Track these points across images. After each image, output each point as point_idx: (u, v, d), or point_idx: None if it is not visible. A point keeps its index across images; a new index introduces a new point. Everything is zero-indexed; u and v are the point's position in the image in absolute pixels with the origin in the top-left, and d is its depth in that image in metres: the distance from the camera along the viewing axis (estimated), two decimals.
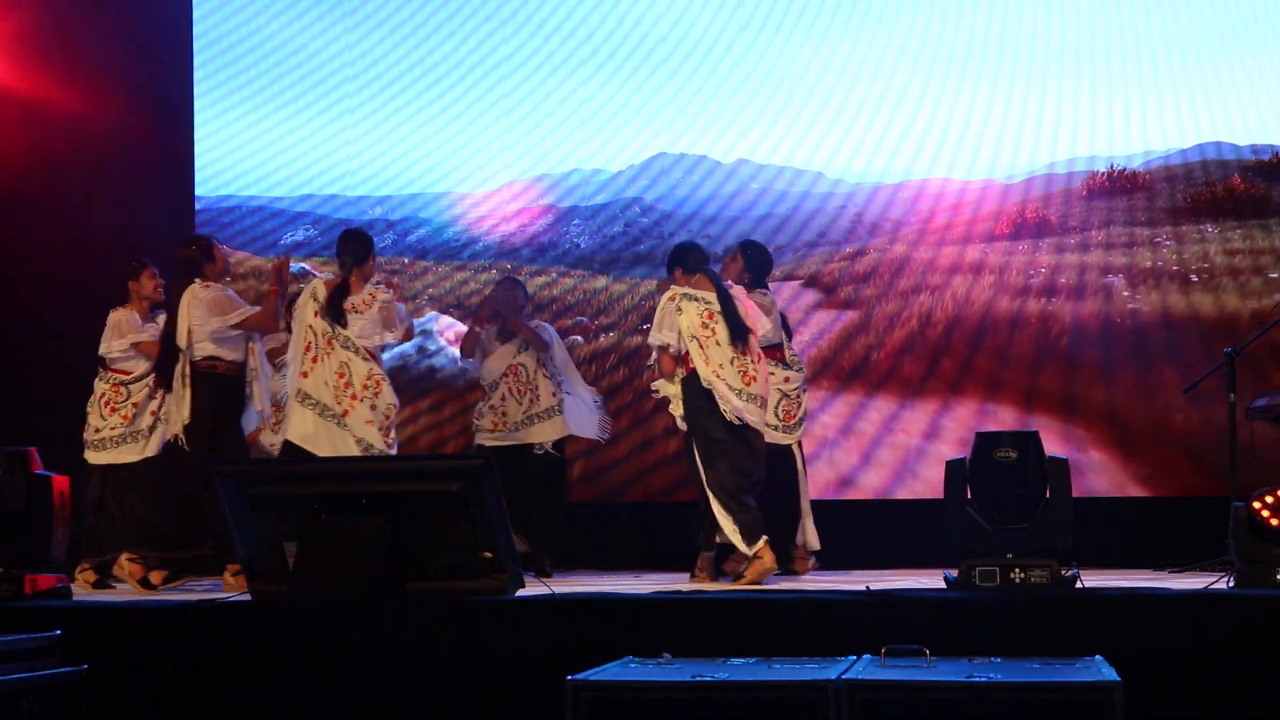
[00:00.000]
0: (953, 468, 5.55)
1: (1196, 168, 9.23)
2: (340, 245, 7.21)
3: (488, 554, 5.20)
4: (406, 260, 9.89)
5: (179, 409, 7.00)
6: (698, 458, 6.91)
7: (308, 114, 10.12)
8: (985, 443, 5.49)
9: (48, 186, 9.53)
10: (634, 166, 9.87)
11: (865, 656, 4.37)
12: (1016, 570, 5.25)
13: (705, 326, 6.90)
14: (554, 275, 9.80)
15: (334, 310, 6.97)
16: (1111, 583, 5.80)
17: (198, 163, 10.10)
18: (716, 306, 6.94)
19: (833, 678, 3.90)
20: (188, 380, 6.98)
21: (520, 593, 5.31)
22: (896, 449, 9.23)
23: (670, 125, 9.81)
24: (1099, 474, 8.99)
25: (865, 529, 8.79)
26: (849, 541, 8.16)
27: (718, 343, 6.89)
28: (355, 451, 6.90)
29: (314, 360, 6.95)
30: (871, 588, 5.44)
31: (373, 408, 6.96)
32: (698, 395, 6.89)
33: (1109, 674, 3.93)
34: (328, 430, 6.90)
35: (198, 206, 10.14)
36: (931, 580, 6.25)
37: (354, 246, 7.15)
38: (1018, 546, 5.33)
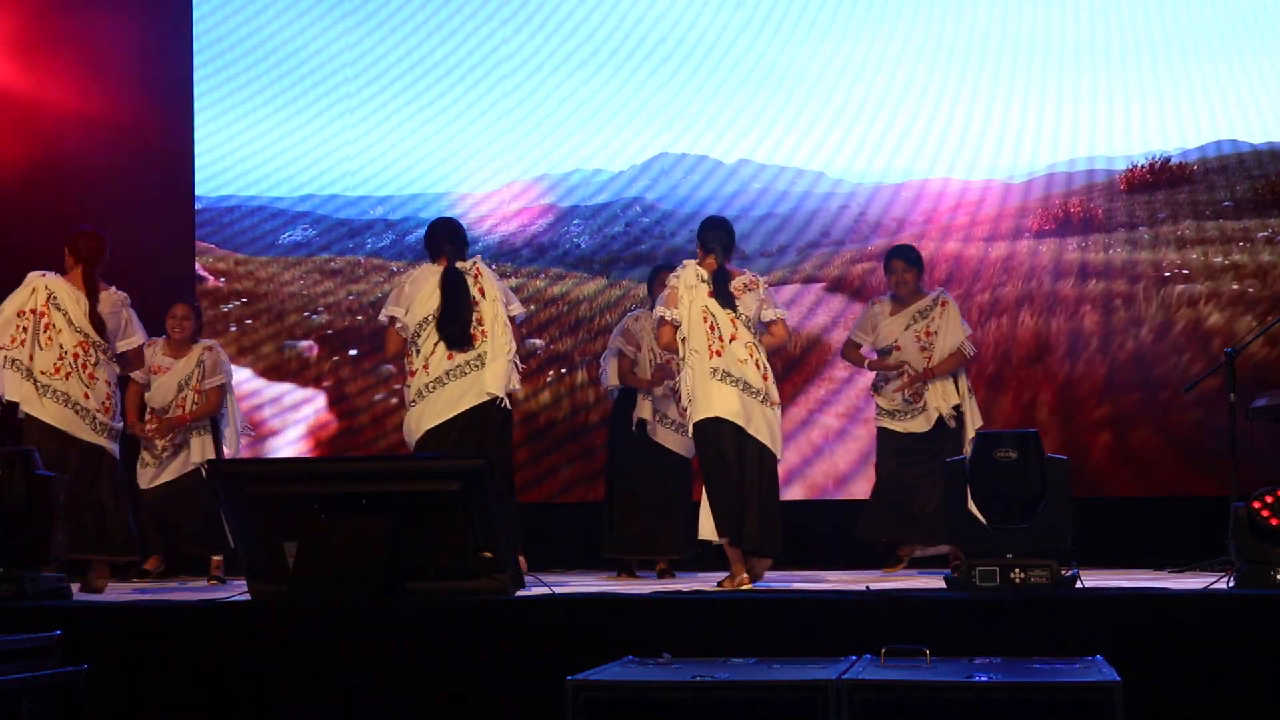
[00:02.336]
0: (953, 468, 5.55)
1: (1198, 165, 9.22)
2: (709, 234, 7.09)
3: (488, 554, 5.20)
4: (407, 261, 9.89)
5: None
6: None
7: (308, 114, 10.12)
8: (985, 443, 5.49)
9: (48, 186, 9.53)
10: (635, 166, 9.88)
11: (865, 656, 4.37)
12: (1016, 570, 5.24)
13: None
14: (554, 275, 9.80)
15: (724, 294, 6.94)
16: (1111, 583, 5.80)
17: (198, 163, 10.10)
18: None
19: (833, 678, 3.89)
20: None
21: (520, 593, 5.32)
22: None
23: (671, 125, 9.82)
24: (1099, 474, 8.99)
25: None
26: (848, 541, 8.15)
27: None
28: (776, 429, 6.89)
29: (722, 339, 6.89)
30: (871, 588, 5.44)
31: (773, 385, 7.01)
32: None
33: (1109, 674, 3.93)
34: (757, 408, 6.85)
35: (198, 206, 10.14)
36: (931, 580, 6.25)
37: (721, 235, 7.09)
38: (1018, 546, 5.33)
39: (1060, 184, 9.36)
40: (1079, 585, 5.31)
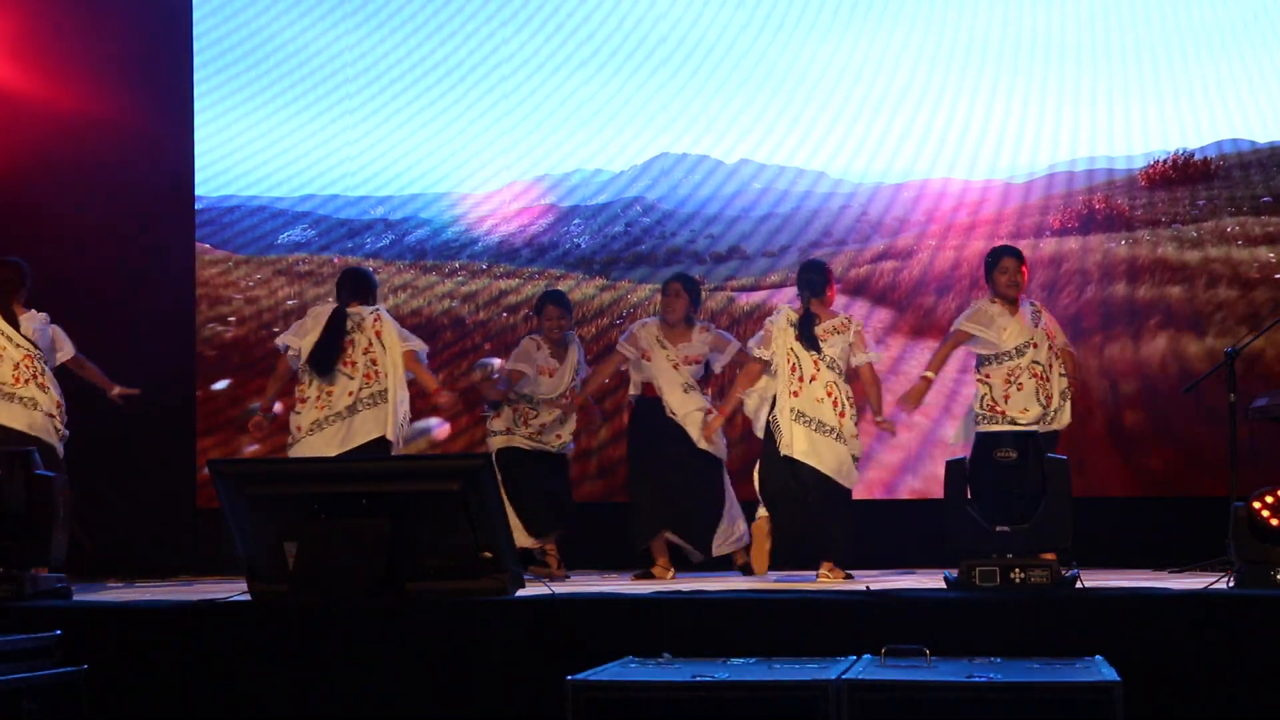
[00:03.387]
0: (953, 468, 5.54)
1: (1219, 160, 9.21)
2: (799, 278, 7.70)
3: (488, 554, 5.20)
4: (407, 261, 9.89)
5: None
6: None
7: (308, 114, 10.11)
8: (985, 443, 5.49)
9: (48, 186, 9.53)
10: (635, 166, 9.88)
11: (865, 656, 4.37)
12: (1016, 570, 5.24)
13: None
14: (554, 276, 9.79)
15: (809, 337, 7.44)
16: (1111, 583, 5.80)
17: (198, 163, 10.09)
18: None
19: (833, 678, 3.89)
20: None
21: (520, 593, 5.32)
22: (899, 446, 9.23)
23: (672, 125, 9.81)
24: (1099, 474, 8.98)
25: (865, 529, 8.79)
26: (849, 541, 8.15)
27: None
28: (845, 460, 7.47)
29: (802, 380, 7.43)
30: (871, 588, 5.44)
31: (855, 421, 7.53)
32: None
33: (1109, 674, 3.93)
34: (826, 444, 7.41)
35: (198, 206, 10.13)
36: (931, 580, 6.25)
37: (814, 278, 7.59)
38: (1018, 546, 5.33)
39: (1061, 184, 9.36)
40: (1079, 585, 5.31)
